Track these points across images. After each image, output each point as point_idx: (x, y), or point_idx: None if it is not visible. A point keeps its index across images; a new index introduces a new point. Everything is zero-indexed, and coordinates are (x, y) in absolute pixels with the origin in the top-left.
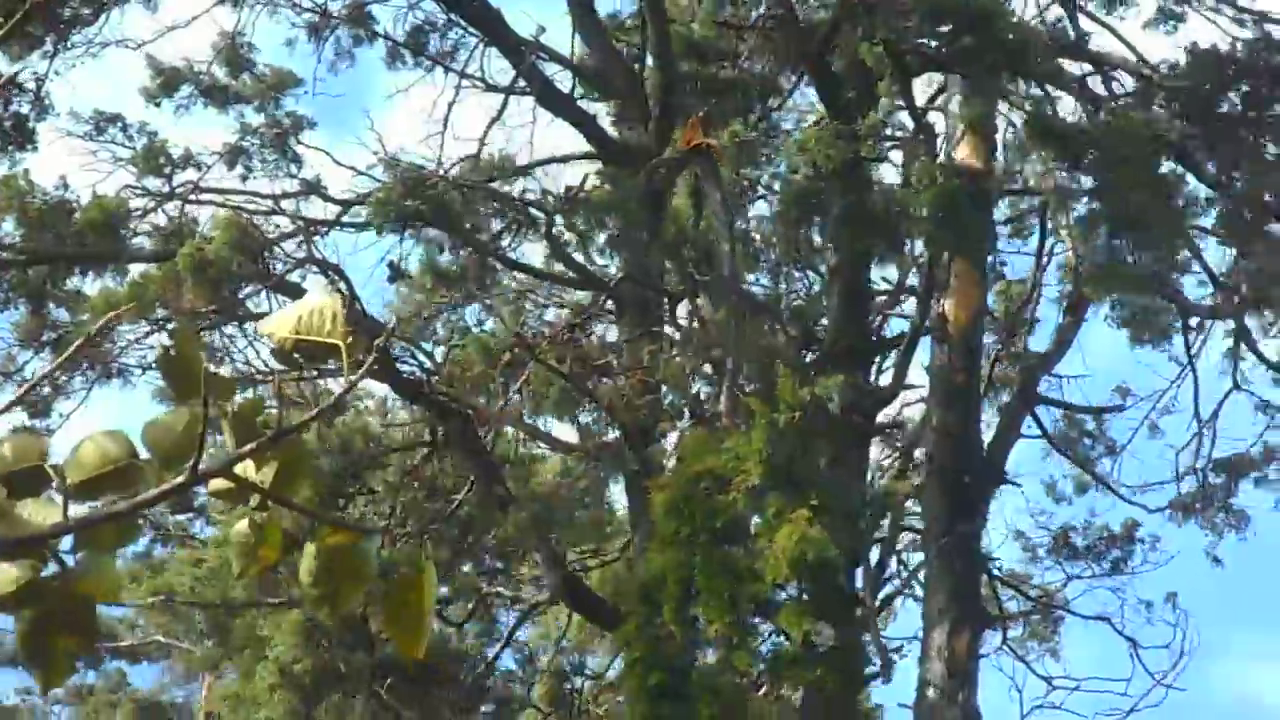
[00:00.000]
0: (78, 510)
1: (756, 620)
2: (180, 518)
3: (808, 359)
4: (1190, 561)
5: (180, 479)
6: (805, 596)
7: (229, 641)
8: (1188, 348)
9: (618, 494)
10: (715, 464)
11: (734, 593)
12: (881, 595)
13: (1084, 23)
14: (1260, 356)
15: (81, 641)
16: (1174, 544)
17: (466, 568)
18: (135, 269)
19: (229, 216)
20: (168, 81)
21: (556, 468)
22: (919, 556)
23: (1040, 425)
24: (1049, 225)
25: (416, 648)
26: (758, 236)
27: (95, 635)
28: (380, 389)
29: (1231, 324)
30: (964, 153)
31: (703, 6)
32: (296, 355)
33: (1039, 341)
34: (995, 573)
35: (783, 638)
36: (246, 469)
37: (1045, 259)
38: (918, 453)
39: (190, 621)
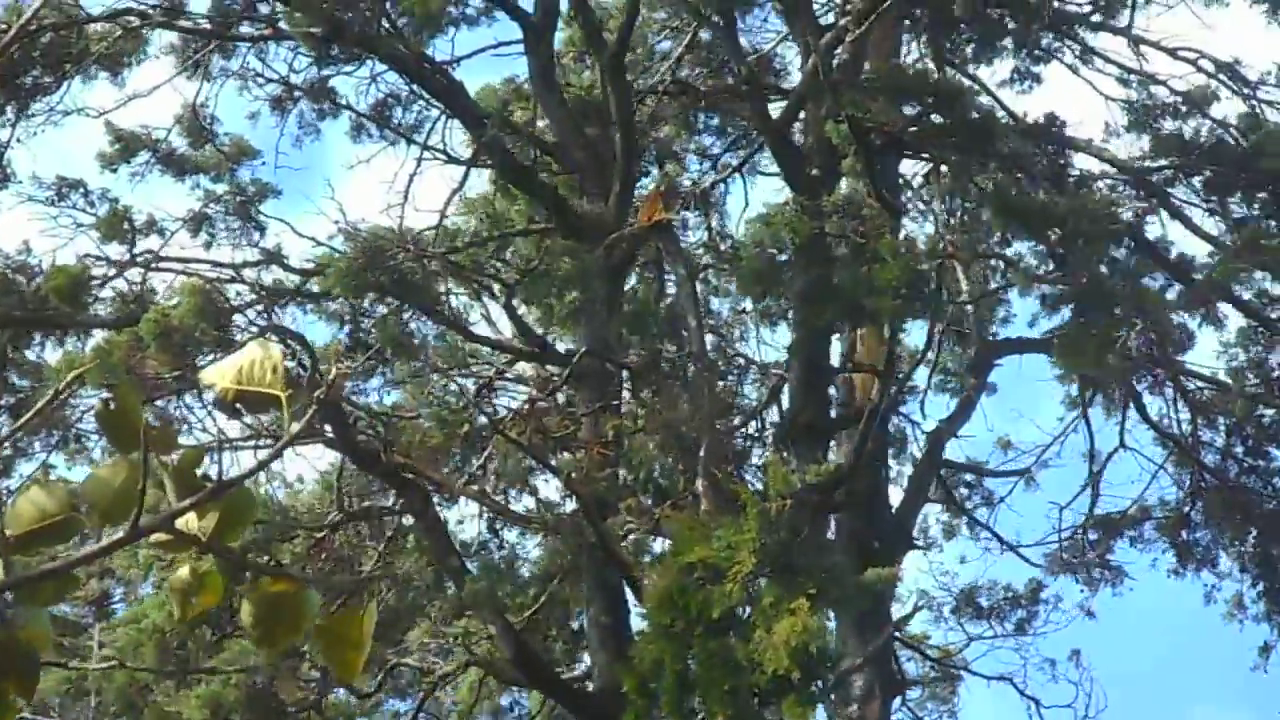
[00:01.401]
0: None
1: (757, 711)
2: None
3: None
4: (1106, 623)
5: (120, 534)
6: (803, 686)
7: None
8: (1083, 403)
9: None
10: (707, 554)
11: (734, 684)
12: None
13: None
14: (1144, 417)
15: (24, 687)
16: (1075, 602)
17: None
18: (97, 335)
19: (193, 283)
20: (126, 147)
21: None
22: None
23: (946, 488)
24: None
25: (351, 675)
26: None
27: (36, 679)
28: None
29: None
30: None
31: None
32: (238, 406)
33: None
34: (898, 635)
35: None
36: (188, 519)
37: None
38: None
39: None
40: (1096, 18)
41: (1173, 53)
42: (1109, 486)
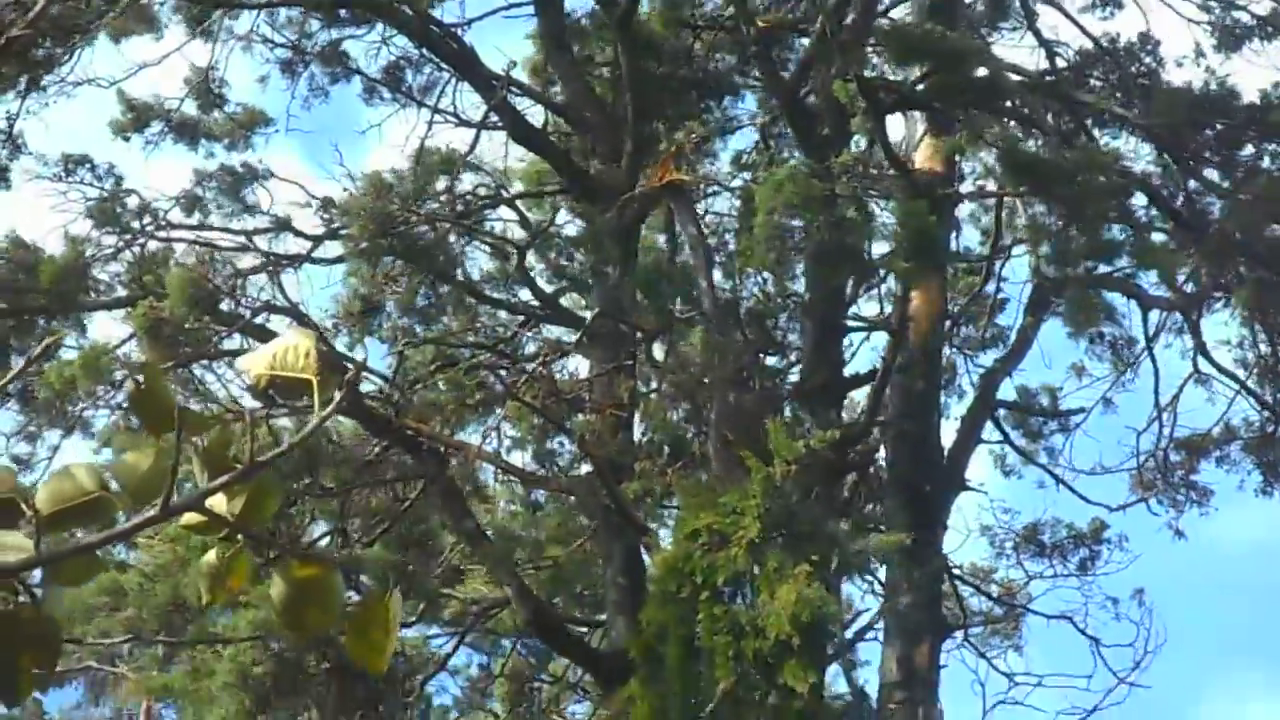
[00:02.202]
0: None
1: (760, 675)
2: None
3: (787, 401)
4: (1156, 556)
5: (152, 512)
6: (804, 651)
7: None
8: (1147, 336)
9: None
10: (713, 520)
11: (737, 649)
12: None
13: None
14: (1208, 358)
15: (46, 659)
16: (1141, 544)
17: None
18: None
19: (182, 274)
20: (138, 117)
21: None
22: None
23: (1001, 429)
24: (1004, 228)
25: (380, 665)
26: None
27: (59, 654)
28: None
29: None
30: (925, 156)
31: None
32: (271, 392)
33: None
34: (956, 572)
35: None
36: (216, 501)
37: (1001, 261)
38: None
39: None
40: None
41: None
42: (1183, 414)
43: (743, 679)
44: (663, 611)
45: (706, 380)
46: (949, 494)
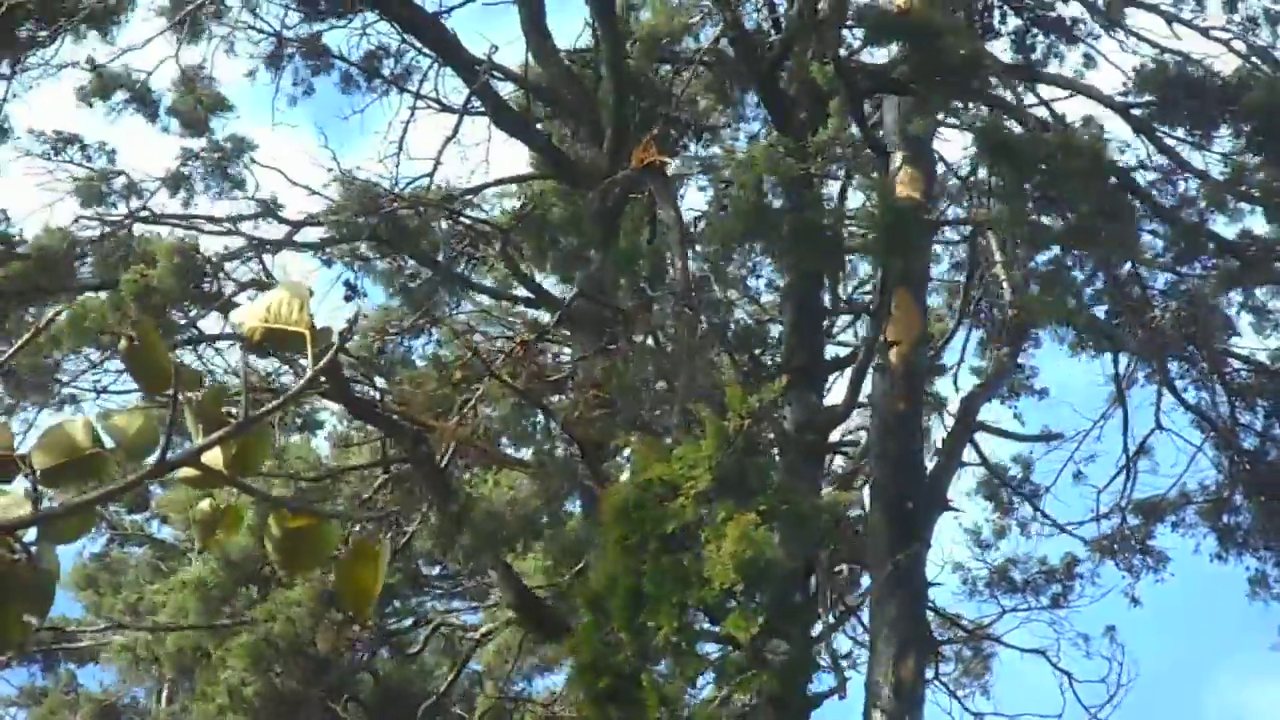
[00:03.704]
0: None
1: (705, 626)
2: (136, 517)
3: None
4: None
5: (148, 468)
6: (754, 602)
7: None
8: (1118, 381)
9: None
10: (666, 471)
11: (682, 599)
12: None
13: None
14: (1178, 398)
15: (39, 609)
16: (1119, 588)
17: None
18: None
19: (172, 243)
20: (103, 83)
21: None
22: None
23: (980, 453)
24: (979, 256)
25: (366, 609)
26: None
27: (49, 603)
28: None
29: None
30: (903, 181)
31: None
32: (266, 345)
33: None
34: (931, 605)
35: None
36: (211, 455)
37: (978, 288)
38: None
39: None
40: None
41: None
42: (1146, 469)
43: (685, 629)
44: (612, 562)
45: (676, 358)
46: (932, 513)
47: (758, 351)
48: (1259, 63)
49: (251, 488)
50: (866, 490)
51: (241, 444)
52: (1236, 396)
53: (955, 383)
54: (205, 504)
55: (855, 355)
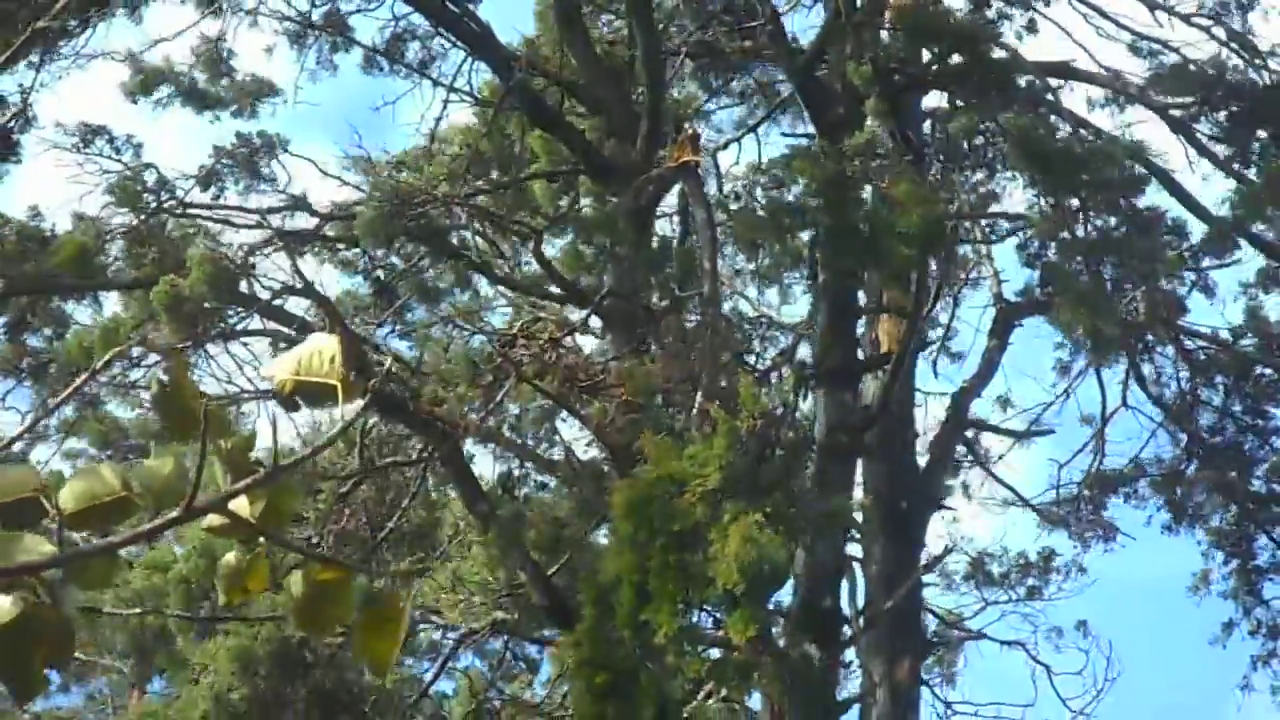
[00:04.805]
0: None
1: (709, 627)
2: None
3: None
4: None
5: (175, 513)
6: (748, 600)
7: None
8: (1096, 361)
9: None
10: (677, 469)
11: (686, 598)
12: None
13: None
14: (1139, 379)
15: (60, 656)
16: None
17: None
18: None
19: (205, 252)
20: (147, 79)
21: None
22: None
23: (971, 450)
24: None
25: (385, 668)
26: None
27: (72, 652)
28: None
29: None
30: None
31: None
32: (296, 398)
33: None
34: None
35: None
36: (238, 504)
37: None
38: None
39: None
40: None
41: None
42: (1114, 445)
43: (687, 630)
44: (619, 557)
45: (697, 357)
46: (925, 512)
47: (779, 353)
48: (1238, 49)
49: (285, 539)
50: (860, 491)
51: (271, 494)
52: (1198, 373)
53: (935, 371)
54: (231, 555)
55: (889, 355)
